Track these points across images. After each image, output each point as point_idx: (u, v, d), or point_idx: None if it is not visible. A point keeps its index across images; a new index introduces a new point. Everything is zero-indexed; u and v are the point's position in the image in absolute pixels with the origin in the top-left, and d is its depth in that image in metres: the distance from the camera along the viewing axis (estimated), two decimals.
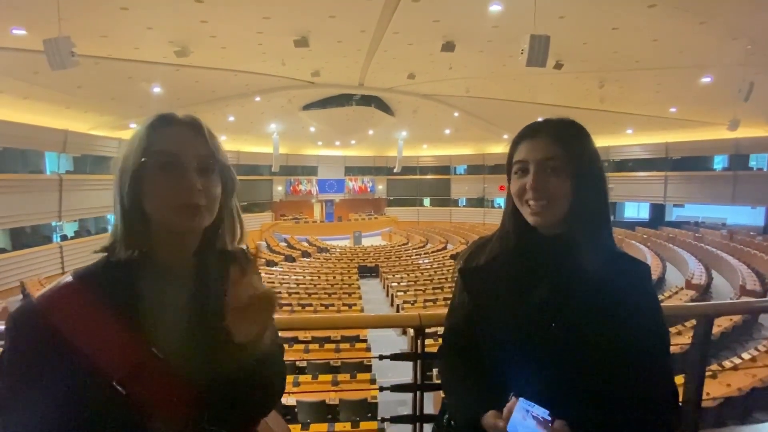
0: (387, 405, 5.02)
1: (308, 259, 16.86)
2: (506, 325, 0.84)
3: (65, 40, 5.62)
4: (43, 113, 11.93)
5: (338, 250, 18.75)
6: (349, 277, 13.50)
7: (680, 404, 0.82)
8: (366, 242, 21.38)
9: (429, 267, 14.89)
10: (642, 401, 0.76)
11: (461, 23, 8.26)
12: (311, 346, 6.91)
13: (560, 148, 0.81)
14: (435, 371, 2.44)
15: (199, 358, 0.69)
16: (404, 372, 1.47)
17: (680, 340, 6.53)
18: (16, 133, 11.76)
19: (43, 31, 6.02)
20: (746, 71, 8.44)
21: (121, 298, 0.66)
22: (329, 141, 22.56)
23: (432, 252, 18.06)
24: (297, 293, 11.31)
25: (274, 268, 14.87)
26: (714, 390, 4.84)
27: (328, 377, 5.69)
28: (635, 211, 22.63)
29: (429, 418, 1.57)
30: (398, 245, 20.31)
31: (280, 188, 24.70)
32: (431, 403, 1.79)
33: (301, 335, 7.00)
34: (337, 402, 5.02)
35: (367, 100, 16.87)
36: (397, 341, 8.24)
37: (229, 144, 20.27)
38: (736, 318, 7.37)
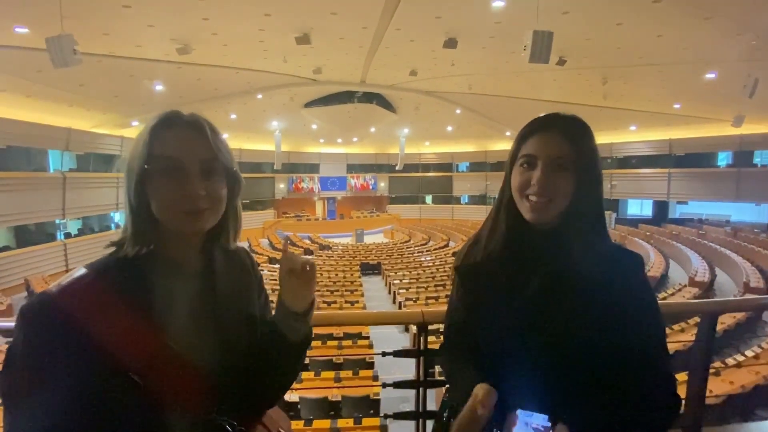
0: (389, 401, 5.03)
1: (310, 257, 16.88)
2: (500, 322, 0.84)
3: (68, 38, 5.62)
4: (46, 111, 11.97)
5: (340, 247, 18.76)
6: (351, 275, 13.51)
7: (680, 398, 0.80)
8: (368, 240, 21.38)
9: (431, 264, 14.88)
10: (641, 396, 0.76)
11: (463, 19, 8.22)
12: (314, 343, 6.90)
13: (570, 147, 0.80)
14: (437, 368, 2.45)
15: (210, 349, 0.72)
16: (407, 369, 1.47)
17: (683, 337, 6.51)
18: (20, 131, 11.80)
19: (45, 29, 6.03)
20: (751, 67, 8.37)
21: (134, 292, 0.67)
22: (331, 138, 22.54)
23: (434, 249, 18.06)
24: None
25: (276, 266, 14.88)
26: (717, 387, 4.83)
27: (331, 374, 5.70)
28: (638, 208, 22.54)
29: (431, 415, 1.58)
30: (400, 243, 20.31)
31: (282, 186, 24.72)
32: (434, 400, 1.79)
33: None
34: (339, 398, 5.04)
35: (369, 98, 16.82)
36: (399, 338, 8.26)
37: (231, 142, 19.44)
38: (740, 315, 7.34)
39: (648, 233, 17.51)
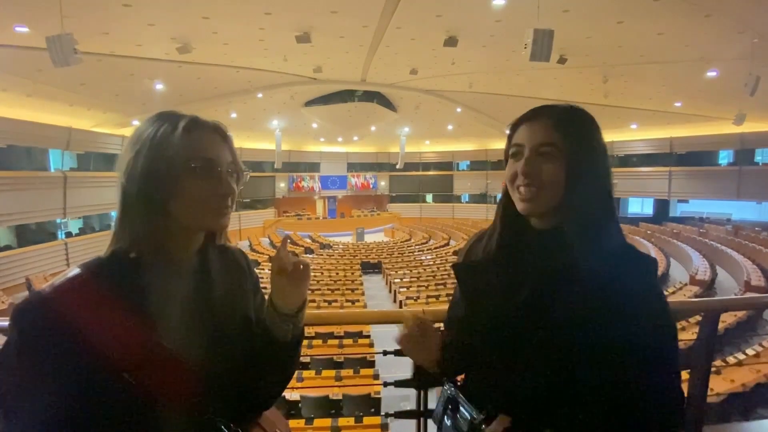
0: (390, 400, 5.03)
1: (311, 256, 16.90)
2: (492, 323, 0.82)
3: (68, 38, 5.62)
4: (46, 110, 11.97)
5: (341, 246, 18.76)
6: (352, 274, 13.51)
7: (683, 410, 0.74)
8: (368, 238, 21.38)
9: (431, 263, 14.88)
10: (643, 412, 0.70)
11: (464, 18, 8.21)
12: (315, 342, 6.93)
13: (559, 134, 0.76)
14: None
15: (205, 349, 0.72)
16: (407, 367, 1.47)
17: (684, 335, 6.51)
18: (21, 131, 11.81)
19: (45, 28, 6.03)
20: (752, 65, 8.34)
21: (128, 291, 0.67)
22: (331, 137, 22.53)
23: (435, 248, 18.05)
24: None
25: None
26: (718, 386, 4.83)
27: (332, 373, 5.70)
28: (639, 206, 22.53)
29: (432, 413, 1.57)
30: (401, 241, 20.31)
31: (282, 185, 24.72)
32: (435, 399, 1.79)
33: (305, 331, 7.01)
34: (340, 397, 5.04)
35: (370, 96, 16.81)
36: None
37: None
38: (741, 314, 7.33)
39: (649, 232, 17.49)
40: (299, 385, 5.25)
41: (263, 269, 11.56)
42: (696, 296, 9.02)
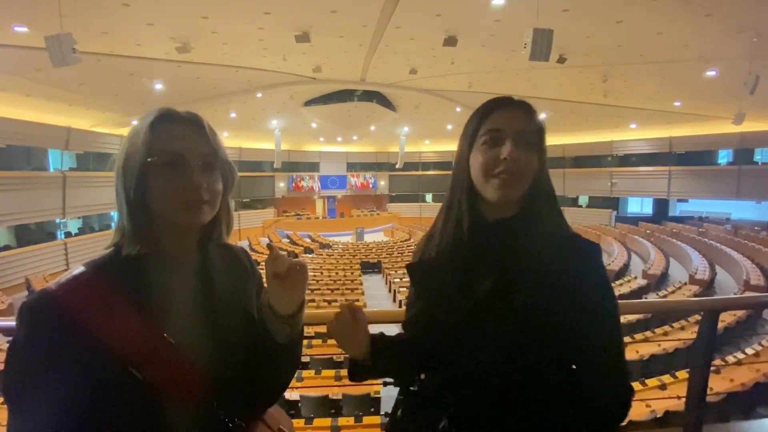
0: (390, 400, 5.00)
1: (311, 255, 16.89)
2: (451, 322, 0.80)
3: (67, 37, 5.61)
4: (45, 110, 11.95)
5: (340, 246, 18.75)
6: (352, 273, 13.52)
7: (628, 408, 0.76)
8: (368, 238, 21.38)
9: None
10: (588, 399, 0.74)
11: (463, 17, 8.20)
12: (314, 342, 6.93)
13: (534, 124, 0.79)
14: None
15: (208, 345, 0.73)
16: None
17: (684, 335, 6.52)
18: (19, 131, 11.79)
19: (44, 28, 6.01)
20: (752, 64, 8.35)
21: (132, 288, 0.68)
22: (331, 137, 22.51)
23: None
24: None
25: None
26: (717, 385, 4.83)
27: (331, 372, 5.70)
28: (638, 206, 22.53)
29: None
30: (400, 241, 20.30)
31: (282, 184, 24.70)
32: None
33: (305, 331, 7.01)
34: (340, 397, 5.04)
35: (369, 96, 16.79)
36: None
37: (231, 140, 20.27)
38: (740, 313, 7.34)
39: (648, 231, 17.49)
40: (299, 384, 5.25)
41: (263, 269, 11.55)
42: (695, 296, 9.03)
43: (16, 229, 12.75)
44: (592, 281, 0.76)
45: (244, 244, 18.79)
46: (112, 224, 0.74)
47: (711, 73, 10.11)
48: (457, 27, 8.69)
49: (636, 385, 4.97)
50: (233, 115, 16.32)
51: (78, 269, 0.67)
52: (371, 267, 15.02)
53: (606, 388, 0.75)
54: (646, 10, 7.13)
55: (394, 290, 11.40)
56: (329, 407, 5.03)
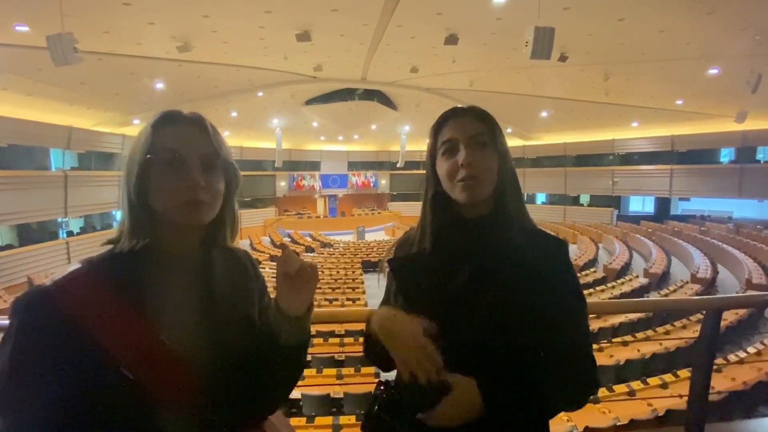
0: None
1: (312, 254, 16.91)
2: (429, 315, 0.81)
3: (68, 37, 5.62)
4: (47, 110, 11.97)
5: (342, 245, 18.76)
6: (353, 272, 13.53)
7: (598, 382, 0.85)
8: (369, 237, 21.38)
9: None
10: (559, 373, 0.79)
11: (464, 16, 8.19)
12: (316, 341, 6.93)
13: (485, 125, 0.85)
14: None
15: (205, 347, 0.71)
16: None
17: (686, 334, 6.51)
18: (21, 130, 11.80)
19: (45, 27, 6.03)
20: (754, 62, 8.32)
21: (129, 286, 0.67)
22: (332, 136, 22.52)
23: None
24: None
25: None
26: (719, 384, 4.82)
27: (333, 371, 5.71)
28: (640, 204, 22.48)
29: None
30: None
31: (283, 183, 24.72)
32: None
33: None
34: (341, 395, 5.05)
35: (370, 95, 16.79)
36: None
37: (232, 139, 20.28)
38: (742, 312, 7.32)
39: (650, 230, 17.45)
40: (300, 383, 5.25)
41: (264, 268, 11.57)
42: (697, 294, 9.01)
43: (18, 228, 12.77)
44: (558, 279, 0.83)
45: (245, 242, 18.83)
46: (114, 223, 0.74)
47: (713, 72, 10.07)
48: (458, 25, 8.67)
49: (637, 384, 4.97)
50: (234, 114, 16.33)
51: (75, 266, 0.67)
52: (372, 266, 15.02)
53: (571, 374, 0.80)
54: (648, 8, 7.12)
55: None
56: (331, 406, 5.04)
